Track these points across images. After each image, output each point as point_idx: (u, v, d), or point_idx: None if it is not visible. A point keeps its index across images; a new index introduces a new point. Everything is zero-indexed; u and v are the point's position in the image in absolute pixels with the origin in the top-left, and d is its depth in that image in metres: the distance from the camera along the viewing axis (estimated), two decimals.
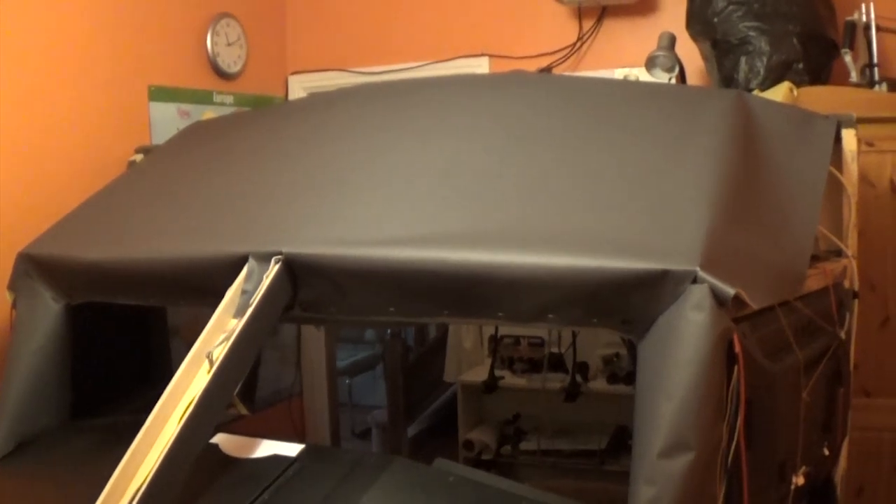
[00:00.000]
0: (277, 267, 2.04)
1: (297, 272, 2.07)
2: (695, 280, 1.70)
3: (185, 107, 5.13)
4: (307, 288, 2.10)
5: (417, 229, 2.06)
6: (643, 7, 5.32)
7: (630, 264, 1.76)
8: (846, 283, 2.79)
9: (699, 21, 4.63)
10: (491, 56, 5.65)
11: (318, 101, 3.31)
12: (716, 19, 4.51)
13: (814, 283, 2.40)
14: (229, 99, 5.49)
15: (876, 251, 3.96)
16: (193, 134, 3.39)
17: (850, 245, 2.95)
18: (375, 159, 2.49)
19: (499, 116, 2.58)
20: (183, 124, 4.78)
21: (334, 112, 2.97)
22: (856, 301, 2.89)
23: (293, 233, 2.18)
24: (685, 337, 1.66)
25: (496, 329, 4.96)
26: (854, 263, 2.90)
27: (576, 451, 4.78)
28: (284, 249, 2.05)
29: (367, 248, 2.01)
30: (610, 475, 4.51)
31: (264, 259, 2.06)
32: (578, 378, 4.71)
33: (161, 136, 4.61)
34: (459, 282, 1.92)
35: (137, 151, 3.99)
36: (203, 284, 2.21)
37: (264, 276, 2.04)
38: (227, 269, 2.11)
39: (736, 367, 1.73)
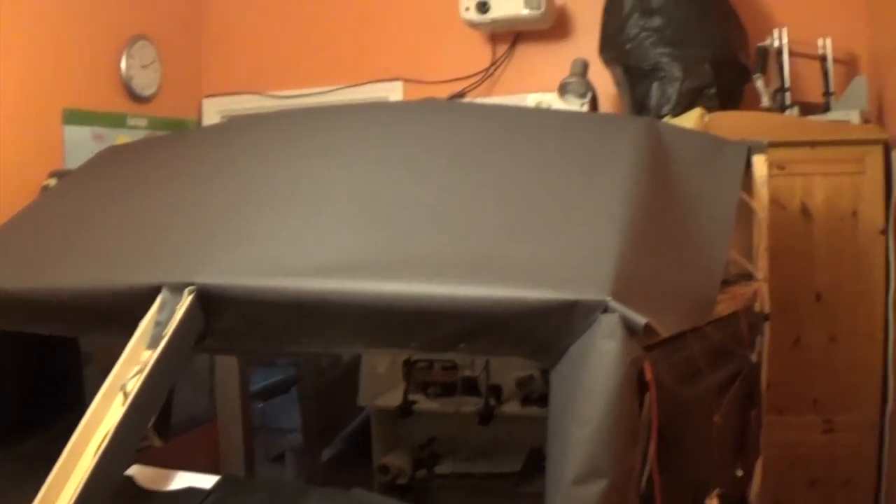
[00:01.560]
0: (190, 298, 2.03)
1: (210, 303, 2.05)
2: (605, 310, 1.70)
3: (100, 130, 5.11)
4: (220, 318, 2.07)
5: (330, 259, 2.06)
6: (556, 32, 5.39)
7: (541, 294, 1.77)
8: (757, 307, 2.84)
9: (612, 47, 4.69)
10: (405, 80, 5.70)
11: (233, 127, 3.31)
12: (628, 45, 4.56)
13: (724, 307, 2.43)
14: (143, 122, 5.48)
15: (787, 273, 4.03)
16: (107, 159, 3.35)
17: (761, 268, 2.99)
18: (289, 187, 2.49)
19: (413, 145, 2.59)
20: (97, 148, 4.73)
21: (248, 138, 2.96)
22: (767, 323, 2.94)
23: (206, 262, 2.16)
24: (597, 366, 1.66)
25: (410, 353, 4.96)
26: (765, 287, 2.94)
27: (491, 474, 4.78)
28: (197, 280, 2.03)
29: (279, 279, 2.00)
30: (525, 497, 4.50)
31: (177, 290, 2.04)
32: (492, 401, 4.72)
33: (75, 159, 4.57)
34: (372, 312, 1.91)
35: (51, 175, 3.95)
36: (116, 315, 2.18)
37: (177, 307, 2.03)
38: (140, 300, 2.07)
39: (647, 395, 1.74)
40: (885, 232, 4.09)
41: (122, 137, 4.53)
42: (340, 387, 5.45)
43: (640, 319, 1.69)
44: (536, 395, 4.65)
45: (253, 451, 4.60)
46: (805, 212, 4.15)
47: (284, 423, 5.85)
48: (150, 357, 1.98)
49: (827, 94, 4.66)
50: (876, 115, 4.47)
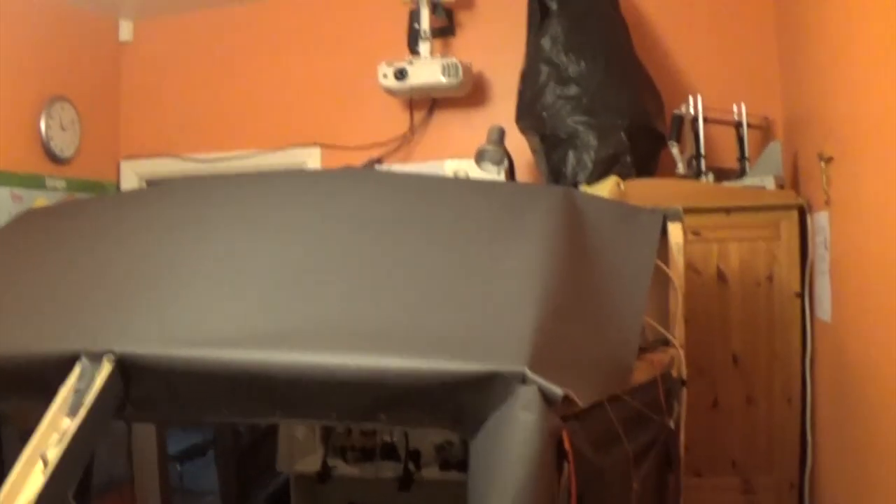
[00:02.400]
0: (110, 366, 2.02)
1: (129, 371, 2.03)
2: (524, 381, 1.71)
3: (18, 191, 5.09)
4: (140, 386, 2.05)
5: (248, 329, 2.06)
6: (473, 100, 5.46)
7: (460, 366, 1.78)
8: (674, 372, 2.86)
9: (529, 115, 4.74)
10: (323, 146, 5.75)
11: (151, 193, 3.31)
12: (545, 113, 4.61)
13: (641, 374, 2.45)
14: (62, 184, 5.46)
15: (703, 336, 4.09)
16: (26, 222, 3.32)
17: (678, 334, 3.02)
18: (207, 254, 2.49)
19: (331, 215, 2.60)
20: (16, 208, 4.74)
21: (167, 206, 2.96)
22: (684, 388, 2.97)
23: (125, 331, 2.15)
24: (515, 436, 1.67)
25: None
26: (681, 352, 2.97)
27: None
28: (116, 348, 2.01)
29: (198, 349, 2.00)
30: None
31: (96, 358, 2.01)
32: (411, 466, 4.72)
33: None
34: (289, 383, 1.91)
35: None
36: (34, 381, 2.14)
37: (96, 375, 2.01)
38: (59, 367, 2.04)
39: (566, 464, 1.75)
40: (800, 295, 4.16)
41: (40, 199, 4.52)
42: (258, 450, 5.42)
43: (558, 391, 1.70)
44: (456, 459, 4.65)
45: None
46: (721, 276, 4.21)
47: (202, 486, 5.81)
48: (70, 425, 1.96)
49: (742, 159, 4.74)
50: (791, 180, 4.54)
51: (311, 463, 4.96)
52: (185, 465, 6.44)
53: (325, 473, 4.87)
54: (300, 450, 5.10)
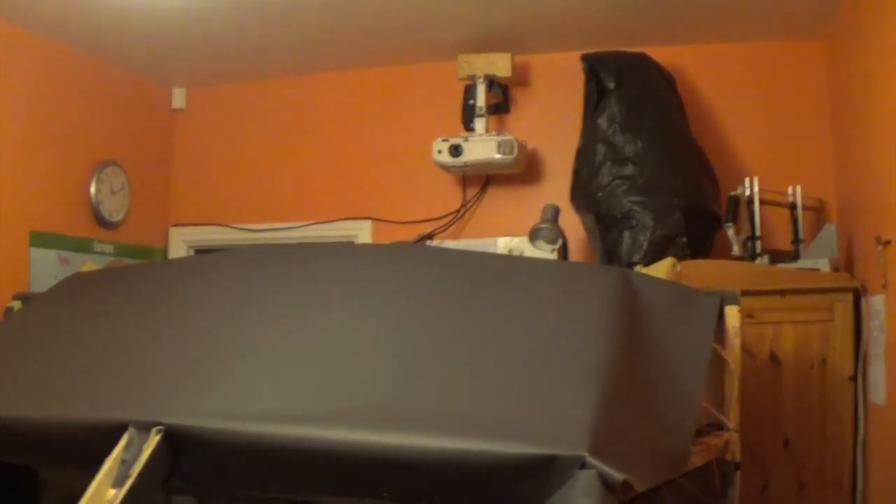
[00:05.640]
0: (158, 437, 2.00)
1: (177, 443, 2.02)
2: (583, 465, 1.69)
3: (65, 254, 5.11)
4: (187, 459, 2.04)
5: (300, 405, 2.05)
6: (527, 177, 5.47)
7: (518, 449, 1.76)
8: (728, 456, 2.84)
9: (583, 194, 4.74)
10: (374, 219, 5.76)
11: (203, 262, 3.31)
12: (600, 193, 4.62)
13: (697, 459, 2.44)
14: (109, 248, 5.49)
15: (754, 419, 4.05)
16: (74, 286, 3.32)
17: (732, 418, 3.00)
18: (260, 329, 2.49)
19: (385, 292, 2.60)
20: (63, 271, 4.75)
21: (218, 276, 2.96)
22: (738, 472, 2.94)
23: (174, 402, 2.15)
24: None
25: None
26: (736, 436, 2.95)
27: None
28: (165, 420, 2.00)
29: (249, 424, 1.98)
30: None
31: (144, 429, 2.00)
32: None
33: (40, 282, 4.60)
34: (342, 462, 1.89)
35: (15, 298, 3.92)
36: (79, 449, 2.15)
37: (144, 447, 2.00)
38: (105, 436, 2.03)
39: None
40: (854, 379, 4.13)
41: (88, 263, 4.52)
42: None
43: (618, 476, 1.68)
44: None
45: None
46: (774, 359, 4.19)
47: None
48: (115, 495, 1.96)
49: (796, 241, 4.73)
50: (845, 263, 4.53)
51: None
52: None
53: None
54: None
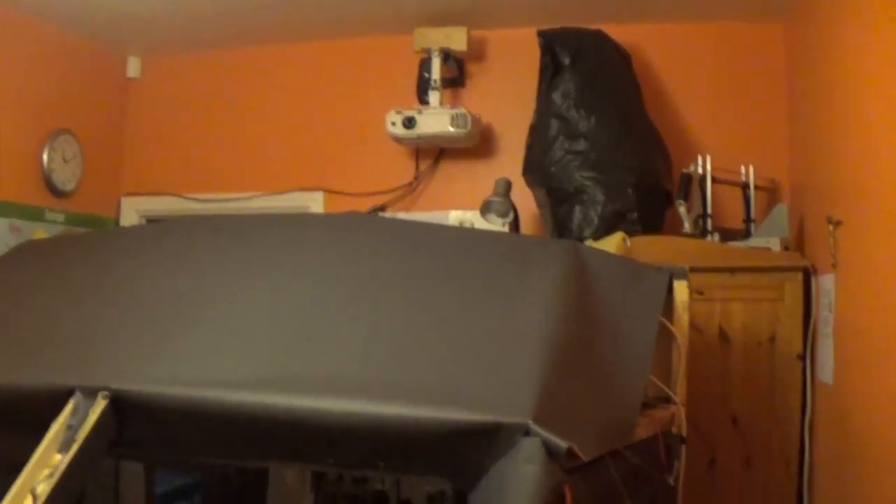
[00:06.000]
0: (104, 403, 2.00)
1: (123, 408, 2.00)
2: (527, 433, 1.70)
3: (17, 222, 5.08)
4: (133, 425, 2.03)
5: (247, 371, 2.04)
6: (480, 151, 5.47)
7: (463, 416, 1.77)
8: (674, 430, 2.86)
9: (536, 168, 4.74)
10: (327, 191, 5.73)
11: (153, 231, 3.30)
12: (553, 167, 4.62)
13: (643, 431, 2.45)
14: (61, 217, 5.44)
15: (703, 395, 4.07)
16: (24, 254, 3.29)
17: (679, 392, 3.02)
18: (208, 296, 2.48)
19: (334, 260, 2.59)
20: (14, 240, 4.71)
21: (168, 244, 2.94)
22: (683, 446, 2.96)
23: (121, 368, 2.14)
24: (517, 489, 1.65)
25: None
26: (682, 410, 2.97)
27: None
28: (111, 385, 1.99)
29: (195, 389, 1.97)
30: None
31: (91, 394, 1.99)
32: None
33: None
34: (288, 428, 1.89)
35: None
36: (25, 415, 2.12)
37: (90, 412, 1.99)
38: (52, 402, 2.01)
39: None
40: (802, 357, 4.16)
41: (39, 232, 4.48)
42: (246, 495, 5.37)
43: (562, 444, 1.69)
44: None
45: None
46: (723, 336, 4.21)
47: None
48: (61, 461, 1.95)
49: (748, 220, 4.75)
50: (796, 243, 4.55)
51: None
52: None
53: None
54: (290, 495, 5.07)
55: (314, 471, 4.87)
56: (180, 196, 6.05)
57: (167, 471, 5.80)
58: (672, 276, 3.02)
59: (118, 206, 6.17)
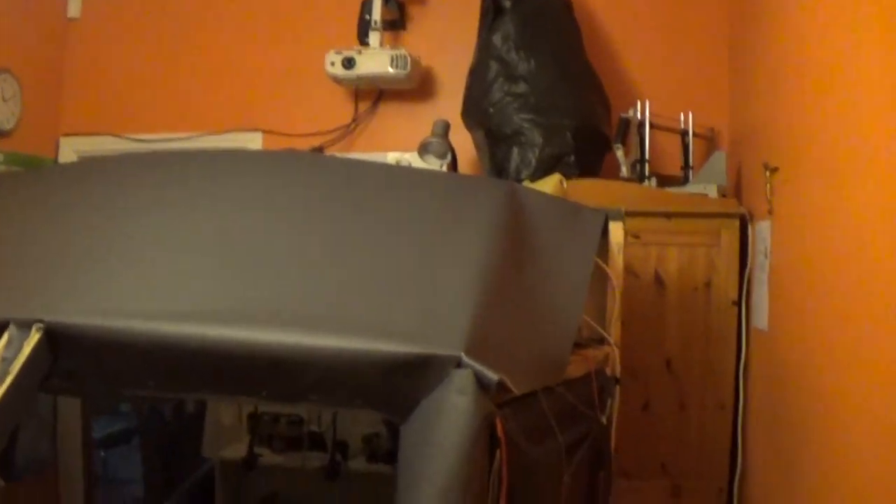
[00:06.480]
0: (38, 335, 1.99)
1: (58, 341, 1.98)
2: (459, 365, 1.71)
3: None
4: (67, 357, 2.01)
5: (182, 304, 2.03)
6: (419, 93, 5.47)
7: (395, 347, 1.77)
8: (608, 370, 2.87)
9: (475, 110, 4.74)
10: (264, 132, 5.70)
11: (90, 167, 3.26)
12: (491, 109, 4.62)
13: (576, 369, 2.46)
14: None
15: (638, 339, 4.10)
16: None
17: (613, 334, 3.04)
18: (143, 230, 2.44)
19: (271, 196, 2.57)
20: None
21: (105, 179, 2.91)
22: (617, 387, 2.98)
23: (56, 301, 2.11)
24: (448, 421, 1.66)
25: (255, 405, 4.92)
26: (616, 351, 2.98)
27: None
28: (46, 318, 1.97)
29: (128, 321, 1.96)
30: None
31: (25, 326, 1.96)
32: (338, 457, 4.71)
33: None
34: (220, 360, 1.89)
35: None
36: None
37: (24, 344, 1.98)
38: None
39: (498, 451, 1.74)
40: (737, 303, 4.19)
41: None
42: (183, 437, 5.37)
43: (493, 376, 1.70)
44: (383, 451, 4.65)
45: (93, 499, 4.51)
46: (659, 281, 4.23)
47: (126, 474, 5.75)
48: None
49: (686, 167, 4.77)
50: (733, 191, 4.58)
51: (236, 450, 4.93)
52: (108, 452, 6.35)
53: (250, 461, 4.84)
54: (226, 436, 5.06)
55: (250, 413, 4.88)
56: (119, 136, 5.99)
57: (105, 415, 5.79)
58: (607, 217, 3.02)
59: (57, 145, 6.10)
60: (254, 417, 4.86)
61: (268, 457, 4.84)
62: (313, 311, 2.01)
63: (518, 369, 1.90)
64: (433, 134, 4.56)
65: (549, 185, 3.65)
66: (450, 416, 1.68)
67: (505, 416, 1.78)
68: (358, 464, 4.69)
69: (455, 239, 2.33)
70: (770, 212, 3.78)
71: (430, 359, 1.74)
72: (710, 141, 5.03)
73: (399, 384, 1.79)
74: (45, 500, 4.31)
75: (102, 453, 6.02)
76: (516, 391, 1.81)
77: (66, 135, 6.12)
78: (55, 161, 6.03)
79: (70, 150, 6.09)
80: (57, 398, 4.15)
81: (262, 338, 1.87)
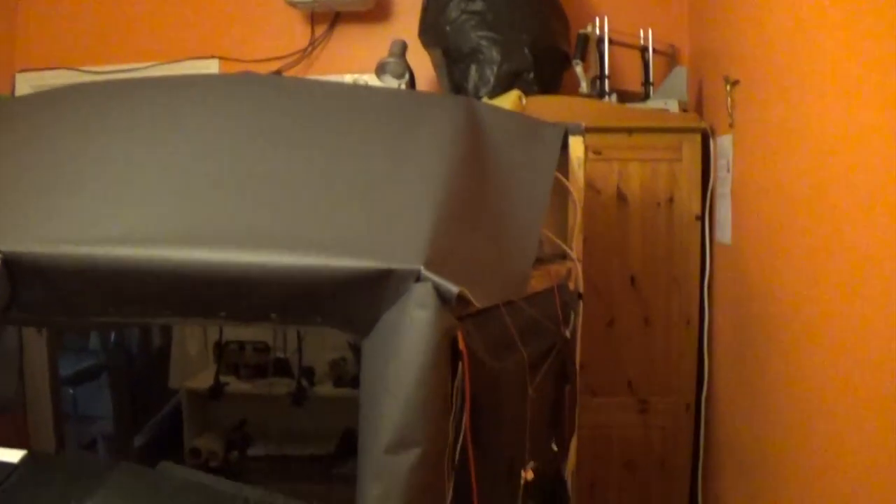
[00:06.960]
0: None
1: (16, 271, 1.97)
2: (419, 278, 1.71)
3: None
4: (26, 287, 2.00)
5: (139, 229, 2.01)
6: (376, 14, 5.43)
7: (353, 263, 1.77)
8: (571, 285, 2.88)
9: (432, 29, 4.70)
10: (221, 58, 5.66)
11: (45, 98, 3.22)
12: (448, 28, 4.57)
13: (538, 283, 2.46)
14: None
15: (602, 256, 4.11)
16: None
17: (575, 249, 3.04)
18: (101, 158, 2.42)
19: (227, 117, 2.55)
20: None
21: (60, 109, 2.88)
22: (580, 302, 2.98)
23: (13, 230, 2.08)
24: (409, 334, 1.67)
25: (221, 334, 4.93)
26: (578, 266, 2.98)
27: (304, 457, 4.78)
28: (3, 248, 1.95)
29: (85, 247, 1.94)
30: (338, 479, 4.49)
31: None
32: (304, 382, 4.73)
33: None
34: (178, 281, 1.88)
35: None
36: None
37: None
38: None
39: (460, 364, 1.74)
40: (700, 218, 4.19)
41: None
42: (151, 371, 5.38)
43: (453, 288, 1.70)
44: (349, 376, 4.68)
45: (64, 436, 4.51)
46: (621, 197, 4.23)
47: (95, 411, 5.75)
48: None
49: (646, 83, 4.76)
50: (695, 107, 4.57)
51: (203, 380, 4.95)
52: (77, 389, 6.36)
53: (217, 390, 4.86)
54: (193, 367, 5.07)
55: (216, 342, 4.88)
56: (76, 69, 5.91)
57: (73, 352, 5.78)
58: (567, 131, 3.01)
59: (13, 81, 6.04)
60: (220, 346, 4.87)
61: (234, 385, 4.86)
62: (271, 229, 2.00)
63: (479, 283, 1.89)
64: (390, 54, 4.53)
65: (508, 101, 3.63)
66: (410, 329, 1.68)
67: (466, 330, 1.78)
68: (324, 389, 4.73)
69: (413, 155, 2.32)
70: (731, 125, 3.77)
71: (389, 273, 1.74)
72: (670, 58, 5.01)
73: (359, 300, 1.79)
74: (17, 438, 4.30)
75: (72, 391, 6.02)
76: (477, 304, 1.81)
77: (22, 70, 6.04)
78: (11, 97, 5.95)
79: (27, 86, 6.01)
80: (23, 335, 4.14)
81: (219, 258, 1.85)
